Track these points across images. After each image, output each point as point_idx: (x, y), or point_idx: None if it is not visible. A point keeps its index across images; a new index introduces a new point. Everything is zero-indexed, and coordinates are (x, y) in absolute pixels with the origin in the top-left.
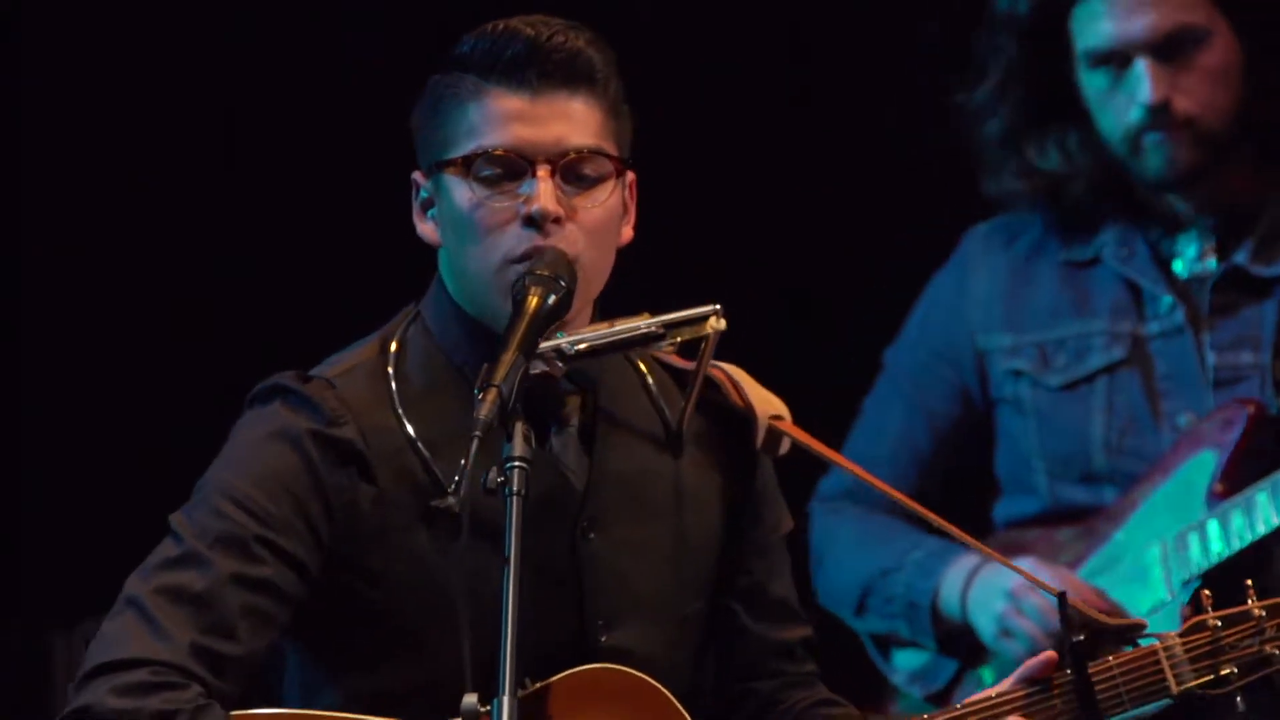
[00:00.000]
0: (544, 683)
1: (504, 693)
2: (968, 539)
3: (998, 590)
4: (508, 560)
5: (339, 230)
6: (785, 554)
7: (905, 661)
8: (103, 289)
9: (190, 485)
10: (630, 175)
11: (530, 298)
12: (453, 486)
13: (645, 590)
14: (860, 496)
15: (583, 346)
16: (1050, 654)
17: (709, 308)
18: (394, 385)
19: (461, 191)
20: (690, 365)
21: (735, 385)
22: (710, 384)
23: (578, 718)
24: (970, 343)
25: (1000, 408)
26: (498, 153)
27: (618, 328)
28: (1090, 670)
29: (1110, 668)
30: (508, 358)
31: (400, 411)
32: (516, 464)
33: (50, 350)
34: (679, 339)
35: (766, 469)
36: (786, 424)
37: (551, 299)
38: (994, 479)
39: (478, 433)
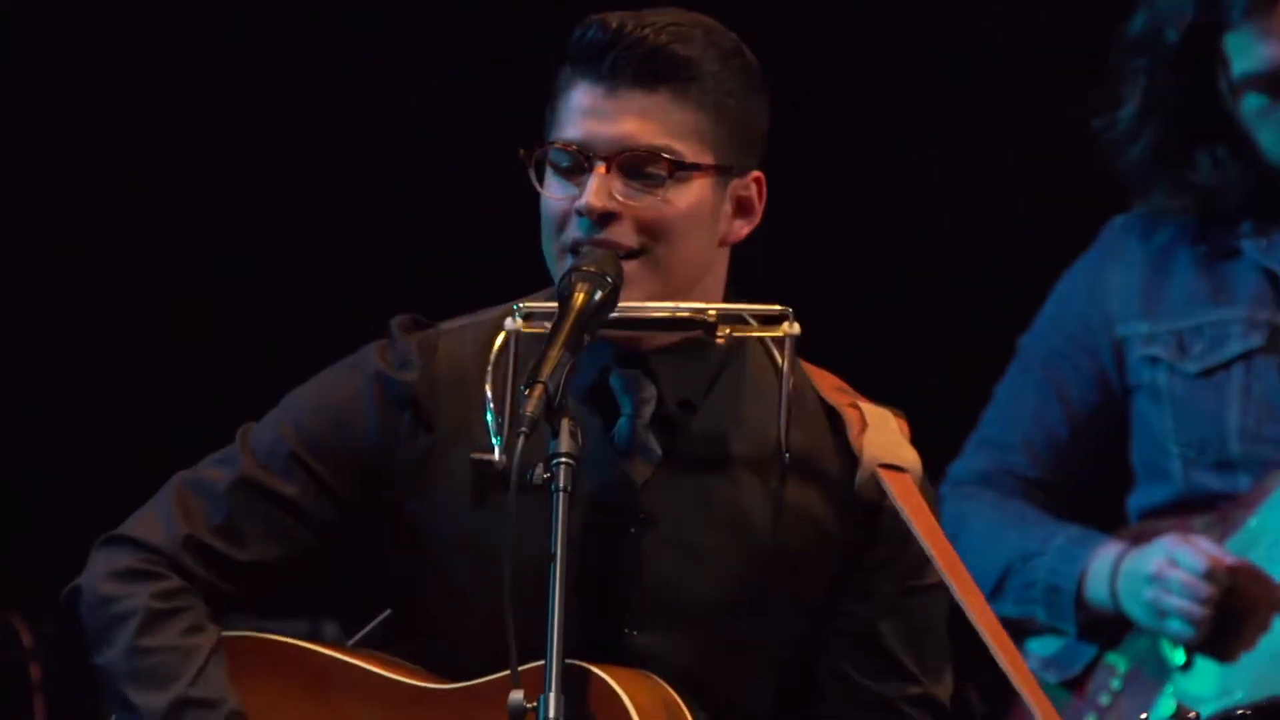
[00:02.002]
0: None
1: (550, 689)
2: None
3: (1141, 577)
4: (554, 557)
5: (339, 230)
6: (908, 607)
7: (1039, 648)
8: (103, 289)
9: None
10: (754, 174)
11: (576, 294)
12: (499, 444)
13: (689, 597)
14: (995, 482)
15: (614, 315)
16: None
17: (777, 308)
18: (495, 348)
19: (539, 182)
20: (836, 401)
21: (865, 427)
22: (841, 420)
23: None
24: (1108, 330)
25: (1136, 395)
26: (558, 146)
27: (667, 305)
28: None
29: None
30: (554, 354)
31: (491, 374)
32: (563, 460)
33: (50, 350)
34: (739, 334)
35: (896, 517)
36: (892, 475)
37: (598, 295)
38: (1130, 470)
39: (523, 429)
